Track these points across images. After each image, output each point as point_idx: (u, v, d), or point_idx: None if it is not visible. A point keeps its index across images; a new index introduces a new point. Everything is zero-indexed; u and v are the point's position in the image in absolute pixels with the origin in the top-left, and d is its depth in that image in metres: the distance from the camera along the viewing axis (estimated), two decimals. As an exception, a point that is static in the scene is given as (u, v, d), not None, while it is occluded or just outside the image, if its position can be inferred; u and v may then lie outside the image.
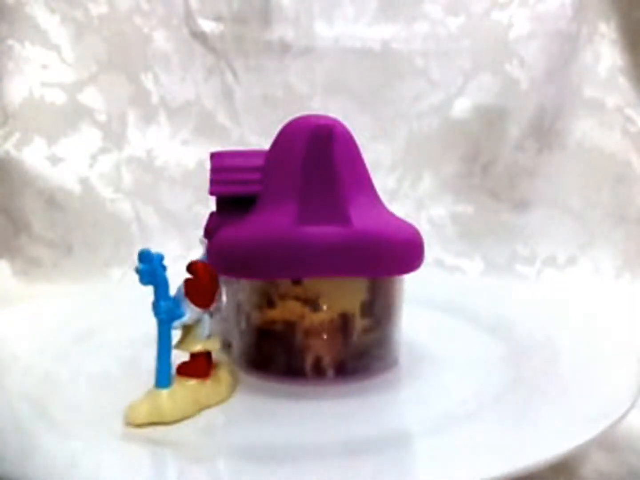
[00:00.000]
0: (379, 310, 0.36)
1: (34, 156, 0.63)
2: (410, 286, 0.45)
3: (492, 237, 0.67)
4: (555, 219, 0.67)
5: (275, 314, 0.35)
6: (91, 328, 0.42)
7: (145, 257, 0.30)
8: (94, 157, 0.65)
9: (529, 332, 0.41)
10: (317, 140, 0.34)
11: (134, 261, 0.32)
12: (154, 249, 0.34)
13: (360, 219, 0.33)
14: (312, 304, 0.34)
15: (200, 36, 0.69)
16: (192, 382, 0.31)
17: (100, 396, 0.33)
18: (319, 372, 0.35)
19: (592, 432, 0.27)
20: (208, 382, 0.31)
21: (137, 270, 0.30)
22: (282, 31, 0.70)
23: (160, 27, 0.68)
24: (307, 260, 0.32)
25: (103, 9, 0.66)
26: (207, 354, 0.32)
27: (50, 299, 0.51)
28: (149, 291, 0.31)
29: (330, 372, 0.35)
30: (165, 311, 0.30)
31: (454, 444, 0.28)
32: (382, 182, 0.70)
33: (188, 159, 0.67)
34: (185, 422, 0.30)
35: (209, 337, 0.32)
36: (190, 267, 0.31)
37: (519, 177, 0.68)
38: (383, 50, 0.70)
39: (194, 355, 0.31)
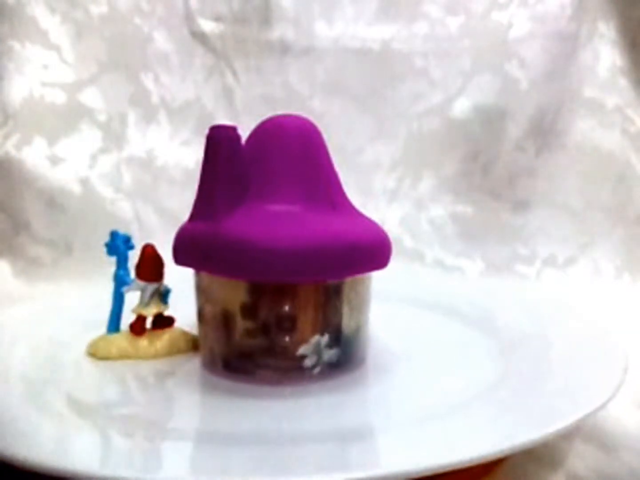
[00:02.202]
0: (265, 316, 0.34)
1: (34, 156, 0.63)
2: (410, 286, 0.45)
3: (492, 237, 0.67)
4: (555, 219, 0.67)
5: (197, 300, 0.37)
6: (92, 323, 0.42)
7: (113, 235, 0.39)
8: (94, 157, 0.65)
9: (525, 331, 0.41)
10: (207, 142, 0.35)
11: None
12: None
13: (237, 220, 0.33)
14: (205, 294, 0.36)
15: (200, 36, 0.69)
16: (128, 336, 0.39)
17: (92, 384, 0.35)
18: (212, 362, 0.36)
19: (564, 422, 0.28)
20: (141, 340, 0.38)
21: (105, 244, 0.39)
22: (282, 31, 0.70)
23: (160, 27, 0.68)
24: (184, 252, 0.36)
25: (103, 9, 0.66)
26: (145, 318, 0.39)
27: (51, 298, 0.52)
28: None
29: (219, 365, 0.36)
30: (119, 278, 0.39)
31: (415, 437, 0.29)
32: (382, 182, 0.70)
33: (188, 159, 0.67)
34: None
35: (147, 304, 0.38)
36: (142, 248, 0.39)
37: (519, 177, 0.68)
38: (383, 50, 0.70)
39: (137, 317, 0.39)
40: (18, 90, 0.63)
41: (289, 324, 0.34)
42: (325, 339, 0.35)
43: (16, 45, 0.63)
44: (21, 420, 0.30)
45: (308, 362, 0.35)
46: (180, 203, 0.66)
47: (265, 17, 0.69)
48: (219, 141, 0.35)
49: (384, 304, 0.42)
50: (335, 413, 0.32)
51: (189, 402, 0.34)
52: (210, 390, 0.36)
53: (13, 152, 0.62)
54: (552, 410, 0.30)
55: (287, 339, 0.34)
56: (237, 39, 0.70)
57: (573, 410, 0.29)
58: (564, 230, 0.66)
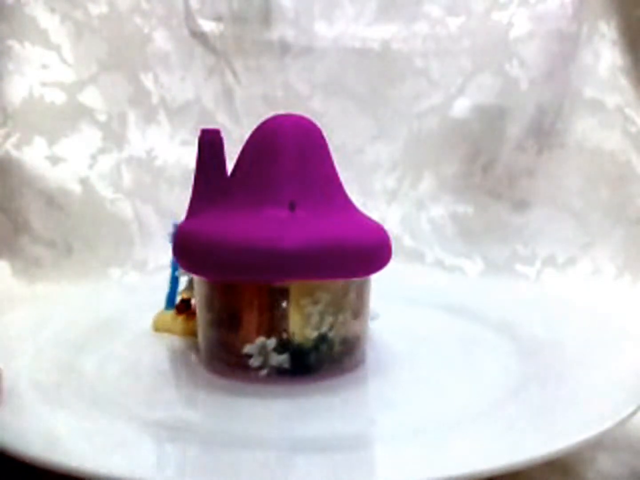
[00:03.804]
0: (217, 310, 0.35)
1: (34, 156, 0.63)
2: (411, 285, 0.45)
3: (492, 237, 0.67)
4: (555, 219, 0.67)
5: None
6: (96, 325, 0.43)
7: (174, 226, 0.42)
8: (94, 157, 0.65)
9: (531, 332, 0.41)
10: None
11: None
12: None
13: (200, 219, 0.36)
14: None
15: (200, 36, 0.69)
16: (173, 314, 0.43)
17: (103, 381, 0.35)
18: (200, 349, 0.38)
19: (593, 432, 0.27)
20: (180, 318, 0.43)
21: (169, 234, 0.43)
22: (282, 31, 0.70)
23: (160, 27, 0.68)
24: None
25: (103, 8, 0.66)
26: (188, 299, 0.43)
27: (52, 298, 0.52)
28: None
29: (201, 352, 0.38)
30: (173, 263, 0.43)
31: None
32: (382, 182, 0.70)
33: (188, 159, 0.67)
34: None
35: (188, 288, 0.42)
36: None
37: (519, 177, 0.68)
38: (383, 50, 0.70)
39: (181, 298, 0.44)
40: (18, 90, 0.62)
41: (235, 321, 0.35)
42: (272, 342, 0.34)
43: (16, 45, 0.63)
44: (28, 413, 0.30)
45: (254, 362, 0.35)
46: (180, 203, 0.66)
47: (265, 17, 0.69)
48: (201, 144, 0.37)
49: (383, 304, 0.42)
50: (258, 420, 0.32)
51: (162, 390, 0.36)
52: (187, 377, 0.37)
53: (13, 152, 0.62)
54: (573, 420, 0.29)
55: (233, 335, 0.35)
56: (237, 39, 0.70)
57: (596, 421, 0.28)
58: (564, 230, 0.66)
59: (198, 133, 0.38)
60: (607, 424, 0.27)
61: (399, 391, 0.35)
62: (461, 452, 0.27)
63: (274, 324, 0.34)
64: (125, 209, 0.65)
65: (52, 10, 0.64)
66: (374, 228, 0.37)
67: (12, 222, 0.62)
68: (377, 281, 0.39)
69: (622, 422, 0.28)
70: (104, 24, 0.66)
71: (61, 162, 0.64)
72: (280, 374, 0.35)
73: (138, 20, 0.67)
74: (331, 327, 0.35)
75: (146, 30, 0.68)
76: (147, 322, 0.43)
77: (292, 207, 0.34)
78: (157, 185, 0.67)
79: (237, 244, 0.33)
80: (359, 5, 0.70)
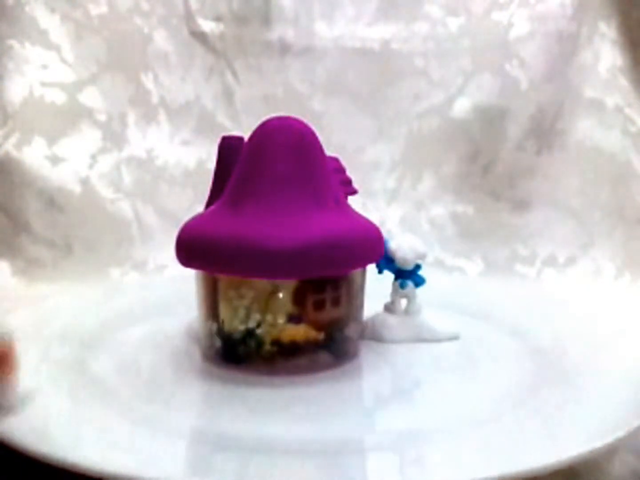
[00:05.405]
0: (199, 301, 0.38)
1: (34, 156, 0.63)
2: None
3: (492, 237, 0.67)
4: (555, 219, 0.67)
5: None
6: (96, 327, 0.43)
7: None
8: (94, 157, 0.65)
9: (531, 332, 0.41)
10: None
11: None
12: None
13: (199, 218, 0.38)
14: None
15: (200, 36, 0.69)
16: None
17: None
18: None
19: (605, 441, 0.26)
20: None
21: None
22: (282, 31, 0.70)
23: (160, 27, 0.68)
24: None
25: (103, 9, 0.66)
26: None
27: (52, 298, 0.52)
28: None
29: None
30: None
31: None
32: (382, 182, 0.70)
33: (188, 159, 0.67)
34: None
35: None
36: None
37: (519, 177, 0.68)
38: (383, 50, 0.70)
39: None
40: (18, 90, 0.62)
41: (198, 301, 0.38)
42: (214, 326, 0.37)
43: (16, 45, 0.63)
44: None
45: (207, 342, 0.38)
46: (180, 203, 0.66)
47: (265, 17, 0.69)
48: (220, 149, 0.39)
49: (383, 303, 0.42)
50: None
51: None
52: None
53: (13, 152, 0.62)
54: (583, 428, 0.29)
55: (200, 313, 0.38)
56: (237, 39, 0.70)
57: (608, 430, 0.27)
58: (564, 230, 0.66)
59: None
60: (620, 433, 0.27)
61: (374, 393, 0.35)
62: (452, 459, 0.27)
63: (214, 310, 0.37)
64: (125, 209, 0.65)
65: (52, 10, 0.64)
66: (361, 228, 0.36)
67: (12, 222, 0.62)
68: (379, 281, 0.39)
69: (636, 430, 0.27)
70: (104, 24, 0.66)
71: (61, 162, 0.64)
72: (220, 358, 0.37)
73: (138, 20, 0.67)
74: (259, 325, 0.36)
75: (146, 30, 0.68)
76: (147, 321, 0.43)
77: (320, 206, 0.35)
78: (157, 185, 0.67)
79: (200, 238, 0.36)
80: (359, 6, 0.70)
